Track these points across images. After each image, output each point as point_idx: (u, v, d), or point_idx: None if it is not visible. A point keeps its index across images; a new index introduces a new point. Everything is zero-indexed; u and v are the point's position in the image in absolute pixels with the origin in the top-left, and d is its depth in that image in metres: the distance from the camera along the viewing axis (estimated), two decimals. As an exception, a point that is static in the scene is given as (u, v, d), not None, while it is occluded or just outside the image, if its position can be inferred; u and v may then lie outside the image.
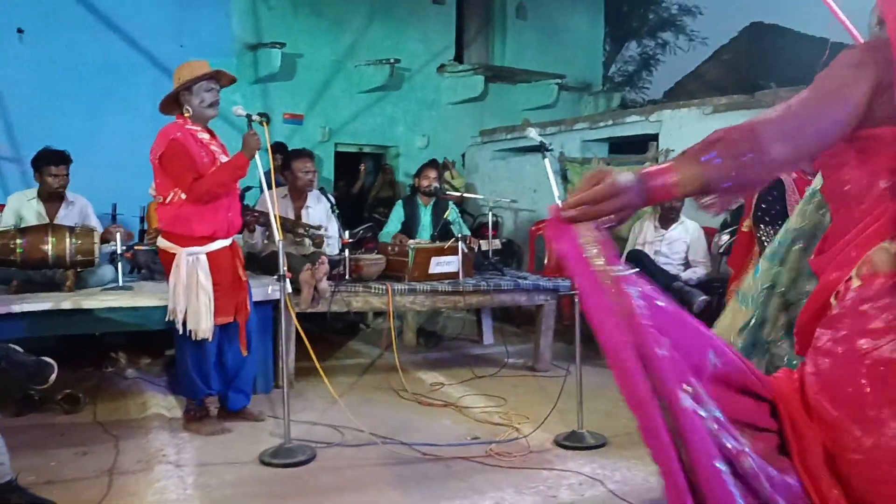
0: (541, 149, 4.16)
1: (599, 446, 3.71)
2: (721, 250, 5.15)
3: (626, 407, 1.45)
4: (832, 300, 1.51)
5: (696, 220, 5.56)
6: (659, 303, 1.42)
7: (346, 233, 4.99)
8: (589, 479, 3.32)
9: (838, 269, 1.51)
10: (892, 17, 1.44)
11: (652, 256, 5.46)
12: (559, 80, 10.17)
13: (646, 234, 5.68)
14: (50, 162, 4.74)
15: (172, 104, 3.79)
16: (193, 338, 3.67)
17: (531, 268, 6.83)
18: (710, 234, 5.48)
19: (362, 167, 8.98)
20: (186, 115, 3.74)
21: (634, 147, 7.29)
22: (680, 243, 5.50)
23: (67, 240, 4.21)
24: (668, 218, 5.59)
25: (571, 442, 3.72)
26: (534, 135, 4.27)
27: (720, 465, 1.32)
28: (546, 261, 6.86)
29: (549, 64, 10.38)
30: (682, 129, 6.51)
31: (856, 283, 1.46)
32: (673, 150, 6.50)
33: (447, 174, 8.26)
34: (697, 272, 5.35)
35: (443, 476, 3.37)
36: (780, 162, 1.35)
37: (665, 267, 5.37)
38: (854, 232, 1.49)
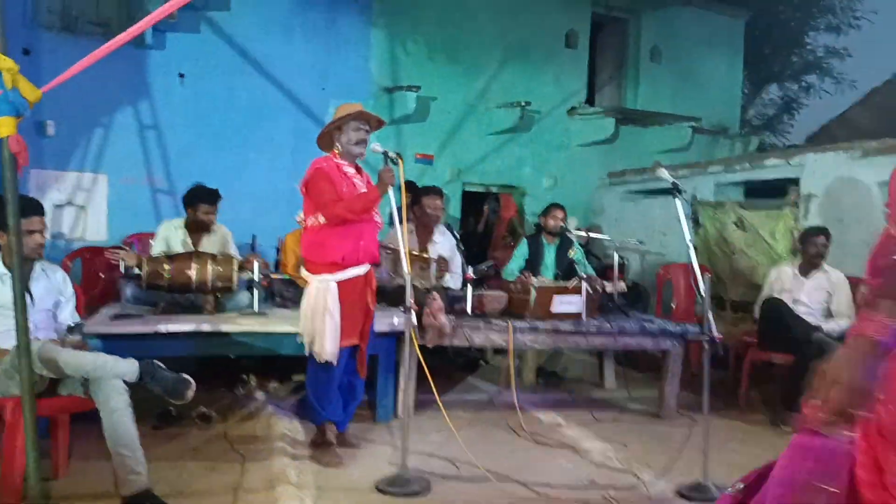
0: (672, 190, 4.05)
1: (726, 501, 3.49)
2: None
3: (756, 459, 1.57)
4: None
5: (840, 267, 5.23)
6: None
7: (470, 269, 5.03)
8: (713, 535, 3.14)
9: None
10: None
11: (791, 305, 5.17)
12: (693, 123, 9.90)
13: (784, 282, 5.38)
14: (205, 200, 5.09)
15: (328, 141, 4.01)
16: (318, 360, 3.80)
17: (658, 312, 6.62)
18: (854, 283, 5.13)
19: (486, 207, 9.07)
20: (336, 151, 3.95)
21: (771, 192, 6.96)
22: (822, 292, 5.18)
23: (209, 266, 4.50)
24: (810, 264, 5.29)
25: (695, 493, 3.53)
26: (665, 175, 4.17)
27: None
28: (674, 305, 6.63)
29: (684, 107, 10.13)
30: (828, 174, 6.14)
31: None
32: (815, 196, 6.17)
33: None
34: (841, 324, 5.00)
35: (557, 518, 3.29)
36: None
37: (805, 317, 5.06)
38: None
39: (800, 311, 5.11)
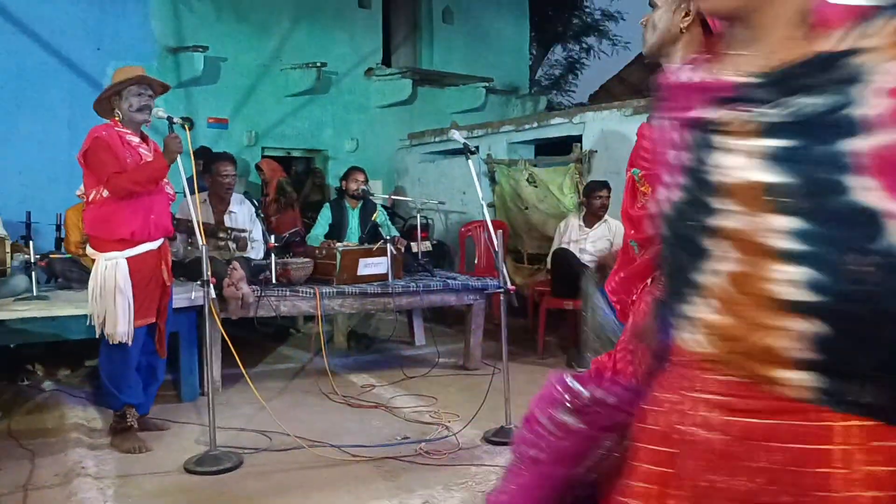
0: (465, 151, 4.20)
1: (527, 441, 3.75)
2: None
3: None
4: None
5: (619, 217, 5.70)
6: None
7: (272, 237, 4.93)
8: (516, 473, 3.36)
9: None
10: None
11: (577, 254, 5.57)
12: (487, 84, 10.25)
13: (570, 233, 5.79)
14: None
15: (107, 107, 3.75)
16: (111, 342, 3.58)
17: (462, 268, 6.88)
18: (632, 231, 5.62)
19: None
20: (117, 118, 3.70)
21: (559, 148, 7.42)
22: (604, 241, 5.63)
23: (-24, 249, 4.05)
24: (594, 216, 5.72)
25: (500, 437, 3.76)
26: (458, 137, 4.31)
27: None
28: (476, 261, 6.93)
29: (477, 68, 10.45)
30: (605, 131, 6.66)
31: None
32: (595, 151, 6.66)
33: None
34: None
35: (372, 477, 3.36)
36: None
37: (590, 265, 5.48)
38: None
39: (585, 259, 5.53)
